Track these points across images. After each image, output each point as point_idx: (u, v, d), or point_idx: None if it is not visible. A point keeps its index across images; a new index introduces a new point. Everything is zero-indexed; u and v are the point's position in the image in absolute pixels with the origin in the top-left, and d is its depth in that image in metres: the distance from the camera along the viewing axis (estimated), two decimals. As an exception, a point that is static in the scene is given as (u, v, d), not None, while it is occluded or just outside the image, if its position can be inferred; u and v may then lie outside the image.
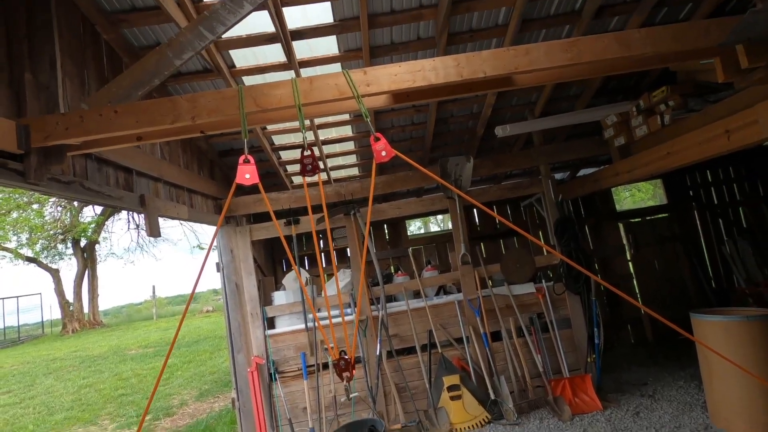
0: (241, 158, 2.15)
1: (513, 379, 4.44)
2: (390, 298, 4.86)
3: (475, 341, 4.51)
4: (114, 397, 7.40)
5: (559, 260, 4.78)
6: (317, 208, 4.20)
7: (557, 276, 4.77)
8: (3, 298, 20.81)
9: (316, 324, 4.35)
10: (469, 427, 4.09)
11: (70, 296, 21.02)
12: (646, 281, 6.43)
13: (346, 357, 1.92)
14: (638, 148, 4.23)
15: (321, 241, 6.28)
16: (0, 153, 2.07)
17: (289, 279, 5.01)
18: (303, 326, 4.49)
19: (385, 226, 6.64)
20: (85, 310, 21.25)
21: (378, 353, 4.39)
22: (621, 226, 6.66)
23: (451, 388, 4.25)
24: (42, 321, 23.41)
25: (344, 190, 4.86)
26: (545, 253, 5.22)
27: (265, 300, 4.81)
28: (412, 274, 4.97)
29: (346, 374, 1.97)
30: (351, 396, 1.93)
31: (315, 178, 2.20)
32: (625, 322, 6.35)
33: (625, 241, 6.59)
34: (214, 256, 4.95)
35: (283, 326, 4.61)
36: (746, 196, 6.71)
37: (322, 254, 6.25)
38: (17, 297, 21.71)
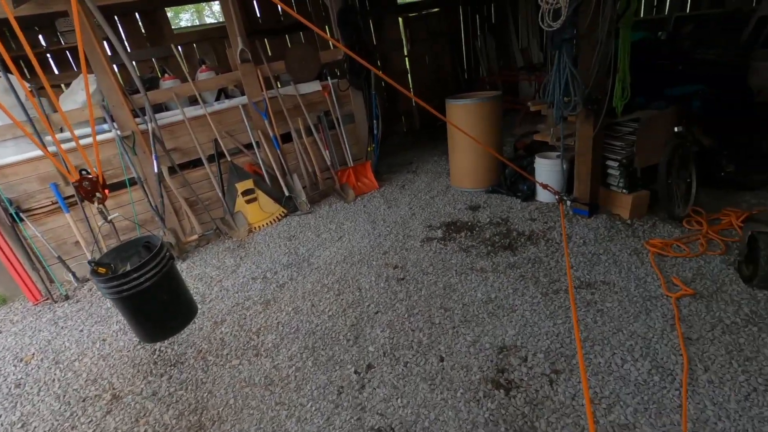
0: None
1: (305, 175, 4.72)
2: (160, 108, 4.14)
3: (266, 145, 4.43)
4: None
5: (344, 56, 4.71)
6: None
7: (341, 72, 4.77)
8: None
9: (58, 148, 3.45)
10: (267, 224, 4.37)
11: None
12: (419, 75, 7.12)
13: (89, 176, 1.56)
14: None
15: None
16: None
17: (-3, 92, 3.61)
18: (41, 152, 3.53)
19: (138, 15, 5.15)
20: None
21: (156, 170, 3.92)
22: (401, 20, 6.80)
23: (245, 193, 4.28)
24: None
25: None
26: (332, 48, 5.04)
27: (-33, 124, 3.46)
28: (183, 78, 4.21)
29: (97, 195, 1.64)
30: (109, 219, 1.63)
31: None
32: (400, 114, 7.18)
33: (403, 36, 6.87)
34: None
35: (9, 156, 3.53)
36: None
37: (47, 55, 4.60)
38: None
